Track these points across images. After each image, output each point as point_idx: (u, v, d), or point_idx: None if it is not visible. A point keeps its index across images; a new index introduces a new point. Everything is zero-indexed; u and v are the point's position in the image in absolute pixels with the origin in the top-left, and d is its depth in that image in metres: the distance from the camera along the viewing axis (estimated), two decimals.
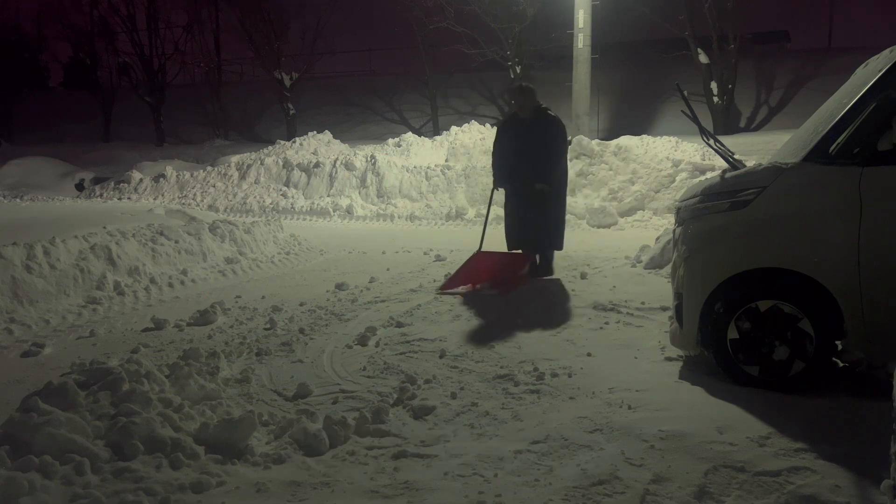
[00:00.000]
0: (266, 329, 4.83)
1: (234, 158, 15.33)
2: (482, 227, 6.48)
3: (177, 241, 7.08)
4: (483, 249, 6.24)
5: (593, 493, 2.49)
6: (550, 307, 5.14)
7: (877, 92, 3.18)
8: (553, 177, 5.98)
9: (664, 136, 12.71)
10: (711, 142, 4.01)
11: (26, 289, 5.38)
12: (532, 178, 5.94)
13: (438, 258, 7.51)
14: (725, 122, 17.88)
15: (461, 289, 5.67)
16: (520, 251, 6.28)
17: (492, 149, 6.36)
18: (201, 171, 15.18)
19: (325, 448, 2.93)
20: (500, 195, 6.48)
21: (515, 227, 6.26)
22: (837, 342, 3.32)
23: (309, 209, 12.62)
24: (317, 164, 13.60)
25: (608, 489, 2.51)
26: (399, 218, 11.69)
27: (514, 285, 5.65)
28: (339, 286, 6.14)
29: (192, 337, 4.73)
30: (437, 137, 14.86)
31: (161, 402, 3.20)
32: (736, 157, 4.19)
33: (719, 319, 3.42)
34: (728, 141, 7.02)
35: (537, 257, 6.21)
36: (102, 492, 2.54)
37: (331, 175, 13.19)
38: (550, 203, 6.05)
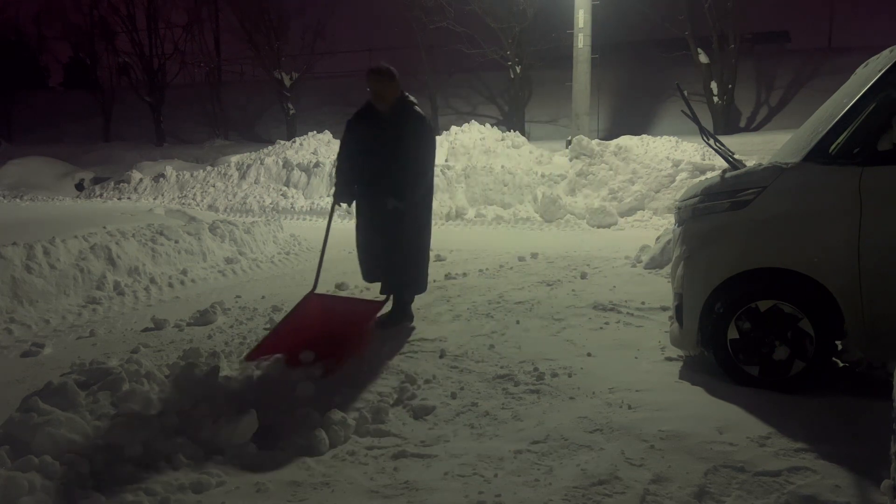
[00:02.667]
0: (266, 329, 4.82)
1: (234, 158, 15.34)
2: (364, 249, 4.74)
3: (177, 241, 7.08)
4: (320, 291, 4.63)
5: (593, 493, 2.49)
6: (550, 307, 5.13)
7: (877, 92, 3.19)
8: (414, 193, 4.49)
9: (664, 136, 12.73)
10: (711, 142, 4.01)
11: (26, 289, 5.38)
12: (387, 192, 4.46)
13: (438, 258, 7.50)
14: (725, 122, 17.89)
15: (273, 357, 3.83)
16: (376, 295, 4.83)
17: (339, 150, 4.81)
18: (201, 171, 15.19)
19: (325, 448, 2.93)
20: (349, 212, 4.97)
21: (367, 257, 4.77)
22: (837, 342, 3.32)
23: (309, 209, 12.62)
24: (317, 164, 13.61)
25: (608, 489, 2.51)
26: None
27: (354, 351, 3.96)
28: (339, 286, 6.13)
29: (192, 337, 4.72)
30: (437, 137, 14.85)
31: (161, 403, 3.19)
32: (736, 157, 4.19)
33: (719, 319, 3.42)
34: (728, 141, 7.02)
35: (390, 298, 4.64)
36: (102, 492, 2.55)
37: (331, 175, 13.20)
38: (407, 228, 4.52)
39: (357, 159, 4.63)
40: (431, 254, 7.80)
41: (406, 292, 4.78)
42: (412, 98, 4.72)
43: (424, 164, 4.58)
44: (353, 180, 4.66)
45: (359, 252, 4.80)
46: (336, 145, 15.94)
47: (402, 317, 4.76)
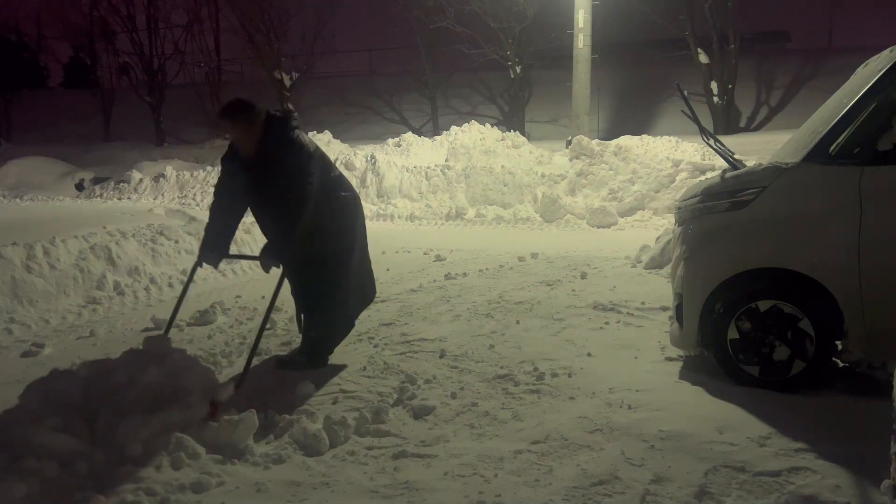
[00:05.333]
0: (266, 329, 4.81)
1: None
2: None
3: (177, 241, 7.08)
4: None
5: (593, 493, 2.49)
6: (550, 307, 5.13)
7: (877, 92, 3.19)
8: (291, 247, 3.64)
9: (664, 136, 12.73)
10: (711, 142, 4.01)
11: (26, 289, 5.38)
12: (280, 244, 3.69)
13: (438, 258, 7.51)
14: (725, 122, 17.89)
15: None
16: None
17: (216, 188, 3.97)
18: (201, 171, 15.19)
19: (325, 448, 2.93)
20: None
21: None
22: (837, 342, 3.32)
23: None
24: None
25: (608, 489, 2.51)
26: (399, 218, 11.69)
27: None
28: None
29: (192, 337, 4.72)
30: (437, 137, 14.85)
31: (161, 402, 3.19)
32: (736, 157, 4.19)
33: (719, 319, 3.42)
34: (728, 141, 7.01)
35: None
36: (102, 492, 2.55)
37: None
38: (316, 267, 3.93)
39: (241, 205, 3.90)
40: (431, 254, 7.88)
41: (319, 337, 4.08)
42: (292, 120, 3.76)
43: (300, 207, 3.60)
44: (227, 234, 3.91)
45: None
46: (336, 145, 15.97)
47: (309, 363, 3.99)
